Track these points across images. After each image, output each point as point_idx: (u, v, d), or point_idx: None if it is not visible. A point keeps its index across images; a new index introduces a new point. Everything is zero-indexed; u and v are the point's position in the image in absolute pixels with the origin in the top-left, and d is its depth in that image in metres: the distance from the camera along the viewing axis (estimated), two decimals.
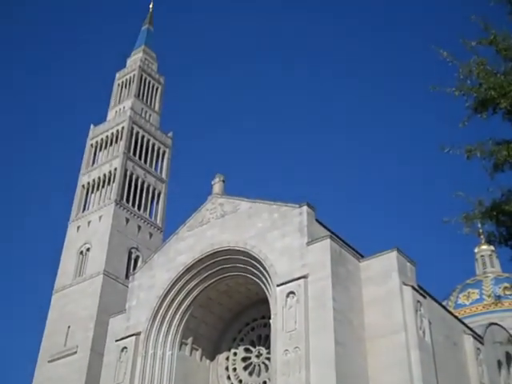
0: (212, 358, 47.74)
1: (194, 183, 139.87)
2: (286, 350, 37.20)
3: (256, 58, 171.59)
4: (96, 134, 73.98)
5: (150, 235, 67.22)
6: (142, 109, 76.16)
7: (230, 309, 48.09)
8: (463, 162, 16.05)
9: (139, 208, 67.70)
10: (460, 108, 16.27)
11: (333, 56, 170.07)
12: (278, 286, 39.77)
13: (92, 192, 69.64)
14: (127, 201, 66.81)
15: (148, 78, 79.22)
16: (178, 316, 45.91)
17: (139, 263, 60.28)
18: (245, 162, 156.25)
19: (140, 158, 71.35)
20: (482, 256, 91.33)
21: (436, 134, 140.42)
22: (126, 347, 45.17)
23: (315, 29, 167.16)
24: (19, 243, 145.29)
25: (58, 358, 58.94)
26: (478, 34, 16.27)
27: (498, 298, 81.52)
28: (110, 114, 76.30)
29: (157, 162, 73.87)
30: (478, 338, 45.19)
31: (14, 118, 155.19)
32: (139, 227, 66.24)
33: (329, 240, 39.27)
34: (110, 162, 69.49)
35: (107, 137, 72.38)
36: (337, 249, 39.55)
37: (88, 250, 63.64)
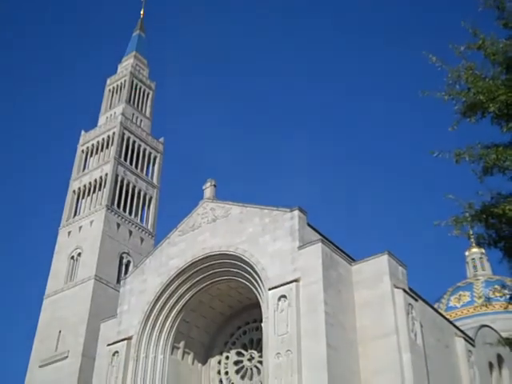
0: (204, 362, 47.81)
1: (185, 188, 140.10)
2: (278, 354, 37.30)
3: (247, 60, 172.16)
4: (87, 139, 74.02)
5: (142, 240, 67.30)
6: (133, 114, 76.30)
7: (222, 313, 48.18)
8: (453, 165, 16.25)
9: (130, 213, 67.77)
10: (449, 112, 16.49)
11: (324, 59, 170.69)
12: (269, 289, 39.87)
13: (83, 197, 69.67)
14: (118, 206, 66.87)
15: (139, 84, 79.38)
16: (169, 320, 45.95)
17: (130, 268, 60.21)
18: (236, 166, 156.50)
19: (131, 163, 71.49)
20: (473, 259, 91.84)
21: (426, 138, 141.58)
22: (117, 351, 45.13)
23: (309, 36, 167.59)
24: (11, 249, 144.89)
25: (49, 363, 58.89)
26: (467, 39, 16.51)
27: (489, 300, 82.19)
28: (101, 120, 76.39)
29: (148, 167, 74.06)
30: (470, 340, 45.47)
31: (4, 123, 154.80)
32: (130, 232, 66.29)
33: (320, 244, 39.44)
34: (101, 167, 69.56)
35: (98, 142, 72.42)
36: (328, 253, 39.71)
37: (79, 255, 63.64)
